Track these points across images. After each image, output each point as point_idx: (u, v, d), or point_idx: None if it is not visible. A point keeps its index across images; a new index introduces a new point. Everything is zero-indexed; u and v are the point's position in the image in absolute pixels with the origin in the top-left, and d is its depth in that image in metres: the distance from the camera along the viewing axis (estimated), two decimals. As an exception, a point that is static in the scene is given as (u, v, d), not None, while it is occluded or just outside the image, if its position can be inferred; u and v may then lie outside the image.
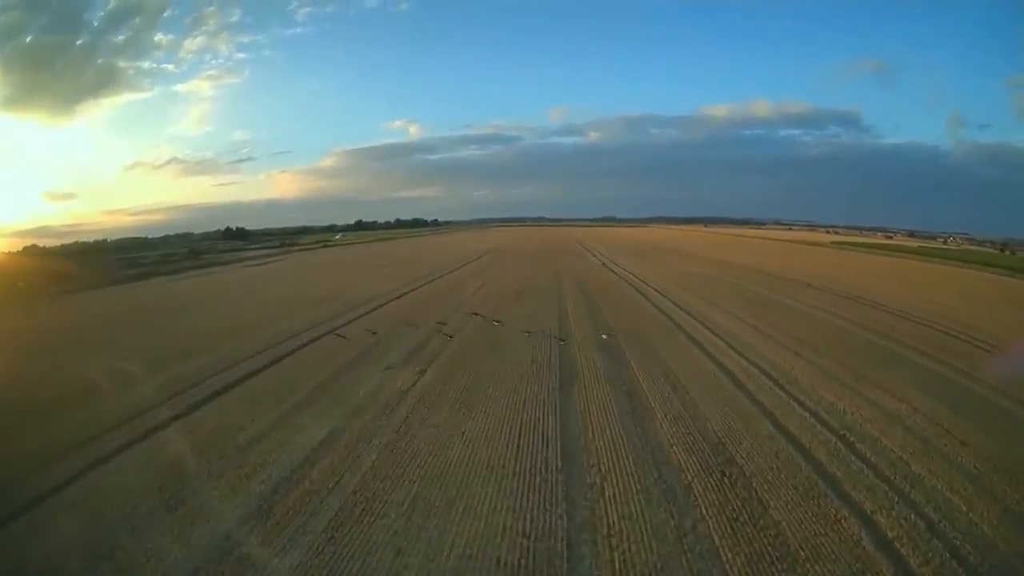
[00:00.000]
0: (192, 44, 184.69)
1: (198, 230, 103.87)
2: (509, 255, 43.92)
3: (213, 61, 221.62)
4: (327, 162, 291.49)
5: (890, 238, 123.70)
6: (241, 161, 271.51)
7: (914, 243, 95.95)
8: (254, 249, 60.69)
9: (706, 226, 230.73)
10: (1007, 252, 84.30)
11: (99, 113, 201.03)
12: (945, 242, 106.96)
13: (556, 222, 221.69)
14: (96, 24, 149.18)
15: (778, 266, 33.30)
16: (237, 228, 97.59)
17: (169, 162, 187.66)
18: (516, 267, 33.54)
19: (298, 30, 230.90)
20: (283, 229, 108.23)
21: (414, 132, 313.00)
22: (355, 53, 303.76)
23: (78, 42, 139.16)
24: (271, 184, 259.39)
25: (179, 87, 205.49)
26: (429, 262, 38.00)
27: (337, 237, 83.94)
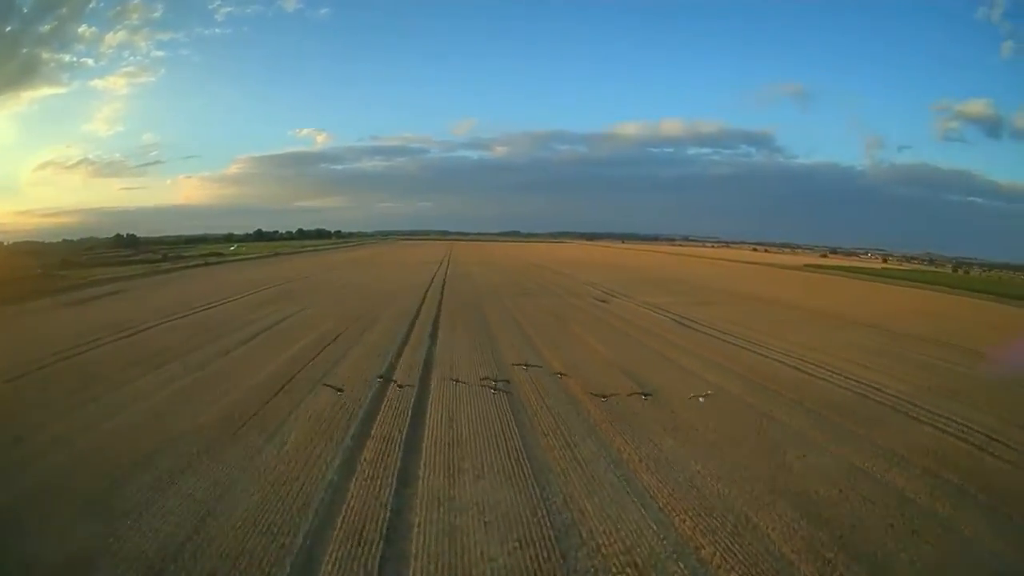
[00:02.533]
0: (114, 39, 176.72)
1: (105, 234, 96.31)
2: (484, 298, 27.66)
3: (131, 58, 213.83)
4: (233, 169, 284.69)
5: (826, 256, 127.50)
6: (149, 165, 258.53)
7: (855, 262, 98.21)
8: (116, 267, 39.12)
9: (623, 242, 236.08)
10: (960, 271, 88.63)
11: (17, 108, 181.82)
12: (885, 260, 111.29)
13: (459, 235, 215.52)
14: (26, 11, 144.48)
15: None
16: (128, 235, 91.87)
17: (80, 163, 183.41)
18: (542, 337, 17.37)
19: (217, 30, 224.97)
20: (178, 238, 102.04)
21: (321, 141, 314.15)
22: (270, 58, 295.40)
23: (7, 28, 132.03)
24: (177, 190, 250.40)
25: (96, 83, 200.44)
26: (336, 311, 20.54)
27: (232, 248, 76.29)
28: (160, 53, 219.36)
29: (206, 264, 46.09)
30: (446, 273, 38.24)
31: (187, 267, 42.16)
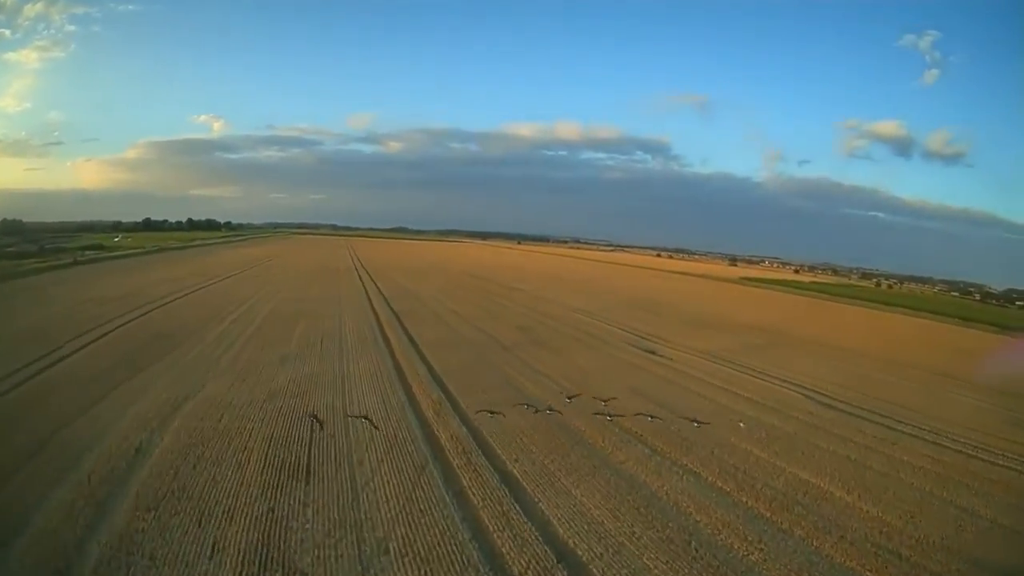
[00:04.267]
0: (32, 9, 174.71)
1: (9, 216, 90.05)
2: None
3: (45, 31, 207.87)
4: (131, 153, 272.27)
5: (735, 263, 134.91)
6: (51, 145, 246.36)
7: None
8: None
9: (519, 243, 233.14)
10: (882, 285, 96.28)
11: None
12: (797, 271, 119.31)
13: (348, 230, 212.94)
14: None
15: None
16: (14, 220, 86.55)
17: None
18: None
19: (131, 7, 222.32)
20: (66, 225, 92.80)
21: (218, 128, 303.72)
22: (179, 39, 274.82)
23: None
24: (76, 173, 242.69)
25: (10, 55, 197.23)
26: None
27: (116, 239, 70.31)
28: (72, 28, 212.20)
29: (74, 263, 37.72)
30: (382, 294, 29.02)
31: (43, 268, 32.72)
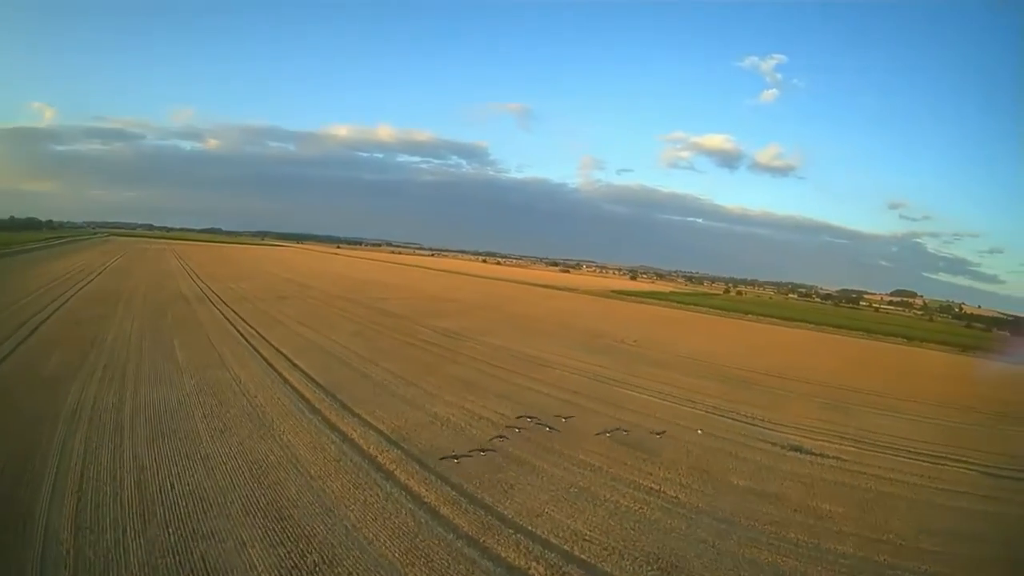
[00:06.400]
0: None
1: None
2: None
3: None
4: None
5: (567, 270, 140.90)
6: None
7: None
8: None
9: (339, 247, 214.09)
10: (734, 292, 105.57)
11: None
12: (634, 277, 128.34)
13: (164, 231, 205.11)
14: None
15: None
16: None
17: None
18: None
19: None
20: None
21: (49, 117, 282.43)
22: (12, 22, 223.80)
23: None
24: None
25: None
26: None
27: None
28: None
29: None
30: (283, 354, 17.47)
31: None
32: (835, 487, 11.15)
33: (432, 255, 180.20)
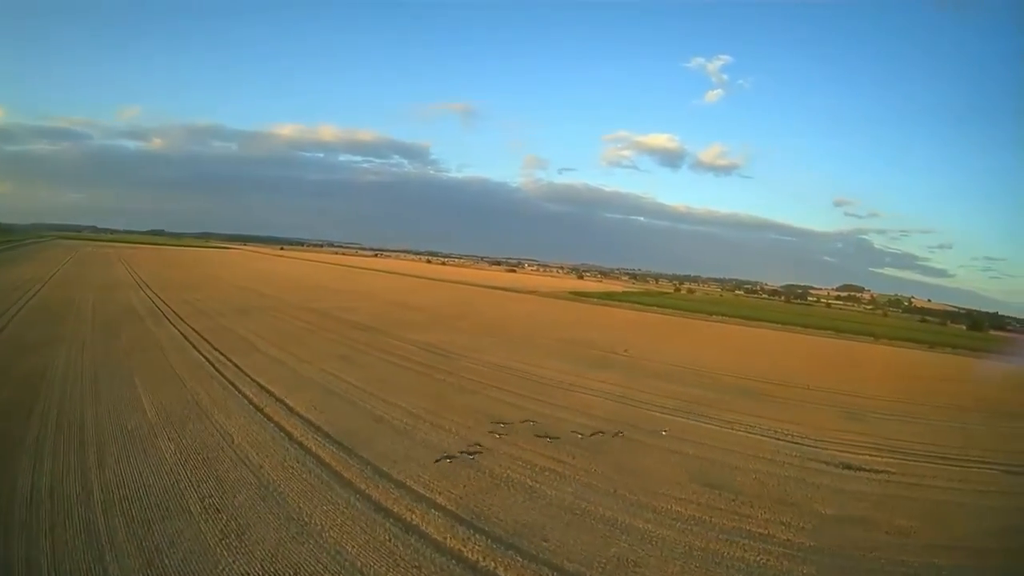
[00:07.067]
0: None
1: None
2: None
3: None
4: None
5: (512, 270, 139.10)
6: None
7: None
8: None
9: (282, 248, 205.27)
10: (683, 290, 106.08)
11: None
12: (581, 277, 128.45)
13: (109, 233, 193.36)
14: None
15: None
16: None
17: None
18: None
19: None
20: None
21: (0, 116, 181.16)
22: None
23: None
24: None
25: None
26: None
27: None
28: None
29: None
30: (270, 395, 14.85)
31: None
32: (899, 501, 11.19)
33: (374, 255, 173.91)
